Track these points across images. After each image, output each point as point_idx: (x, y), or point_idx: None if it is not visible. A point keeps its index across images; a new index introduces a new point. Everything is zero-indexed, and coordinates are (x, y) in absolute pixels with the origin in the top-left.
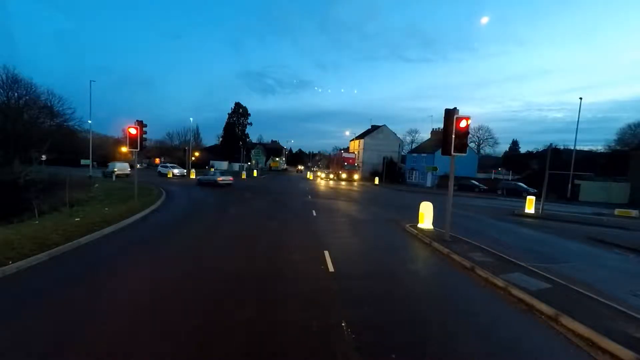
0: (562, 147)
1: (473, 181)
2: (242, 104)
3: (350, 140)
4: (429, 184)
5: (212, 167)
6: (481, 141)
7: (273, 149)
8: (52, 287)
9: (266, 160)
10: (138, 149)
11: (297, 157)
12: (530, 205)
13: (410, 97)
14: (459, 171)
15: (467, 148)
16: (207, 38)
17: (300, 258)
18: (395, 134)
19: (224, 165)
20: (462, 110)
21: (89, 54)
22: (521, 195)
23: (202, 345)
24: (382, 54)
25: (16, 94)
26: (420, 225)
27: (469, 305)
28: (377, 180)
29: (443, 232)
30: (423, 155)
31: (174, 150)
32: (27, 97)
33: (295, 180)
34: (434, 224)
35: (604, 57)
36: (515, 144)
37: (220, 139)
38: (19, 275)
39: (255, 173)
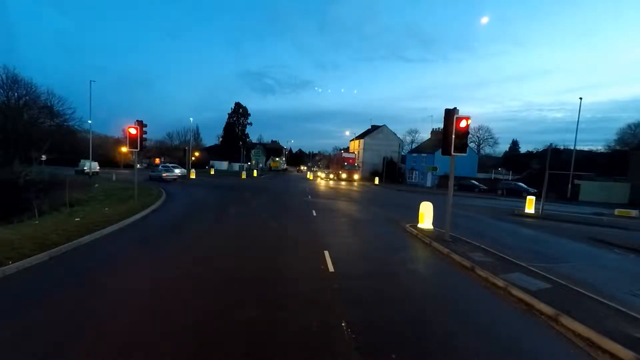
0: (562, 147)
1: (473, 181)
2: (242, 104)
3: (350, 140)
4: (429, 184)
5: (212, 167)
6: (481, 141)
7: (273, 149)
8: (52, 287)
9: (266, 160)
10: (138, 149)
11: (297, 157)
12: (530, 205)
13: (410, 97)
14: (459, 171)
15: (467, 148)
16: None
17: (300, 258)
18: (395, 134)
19: (224, 165)
20: (462, 110)
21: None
22: (521, 195)
23: (202, 345)
24: (382, 54)
25: (16, 94)
26: (420, 225)
27: (469, 305)
28: (377, 180)
29: (443, 232)
30: (423, 155)
31: (174, 150)
32: (27, 97)
33: (295, 180)
34: (434, 224)
35: (604, 57)
36: (515, 144)
37: (220, 139)
38: (19, 275)
39: (255, 173)
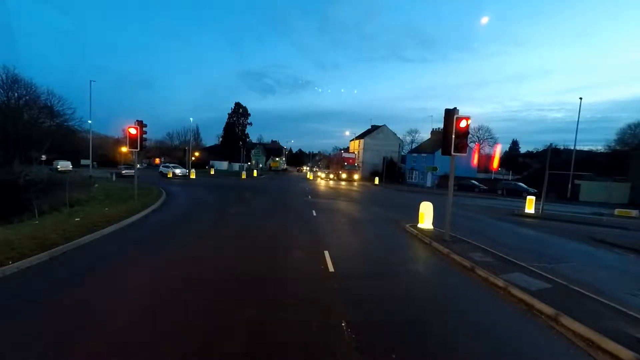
0: (562, 147)
1: (473, 181)
2: (242, 104)
3: (350, 140)
4: (429, 184)
5: (212, 167)
6: (481, 141)
7: (273, 149)
8: (52, 287)
9: (266, 160)
10: (138, 149)
11: (297, 157)
12: (530, 205)
13: (410, 97)
14: (459, 171)
15: (467, 148)
16: (206, 38)
17: (300, 258)
18: (395, 134)
19: (224, 165)
20: (462, 110)
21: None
22: (521, 195)
23: (202, 345)
24: (382, 54)
25: (16, 94)
26: (420, 225)
27: (469, 305)
28: (377, 180)
29: (443, 232)
30: (423, 155)
31: (174, 150)
32: (27, 97)
33: (295, 180)
34: (434, 224)
35: (604, 57)
36: (515, 144)
37: (220, 139)
38: (19, 275)
39: (255, 173)
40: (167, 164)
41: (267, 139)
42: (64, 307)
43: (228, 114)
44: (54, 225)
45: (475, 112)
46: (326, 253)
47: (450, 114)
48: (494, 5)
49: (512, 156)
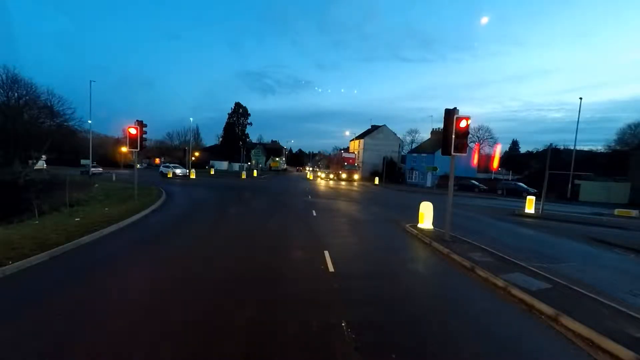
0: (562, 147)
1: (473, 181)
2: (242, 104)
3: (350, 140)
4: (429, 184)
5: (212, 167)
6: (481, 141)
7: (273, 149)
8: (52, 287)
9: (266, 160)
10: (138, 149)
11: (297, 157)
12: (530, 205)
13: (410, 97)
14: (458, 171)
15: (467, 148)
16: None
17: (300, 258)
18: (395, 134)
19: (224, 165)
20: (462, 110)
21: (89, 54)
22: (521, 195)
23: (202, 346)
24: (382, 54)
25: (16, 94)
26: (420, 225)
27: (469, 305)
28: (377, 180)
29: (443, 232)
30: (423, 155)
31: (174, 150)
32: (27, 97)
33: (295, 180)
34: (434, 224)
35: (604, 57)
36: (515, 144)
37: (220, 139)
38: (19, 275)
39: (255, 173)
40: (167, 164)
41: (267, 139)
42: (64, 307)
43: (228, 114)
44: (54, 225)
45: (475, 112)
46: (326, 253)
47: (450, 114)
48: (493, 5)
49: (512, 156)
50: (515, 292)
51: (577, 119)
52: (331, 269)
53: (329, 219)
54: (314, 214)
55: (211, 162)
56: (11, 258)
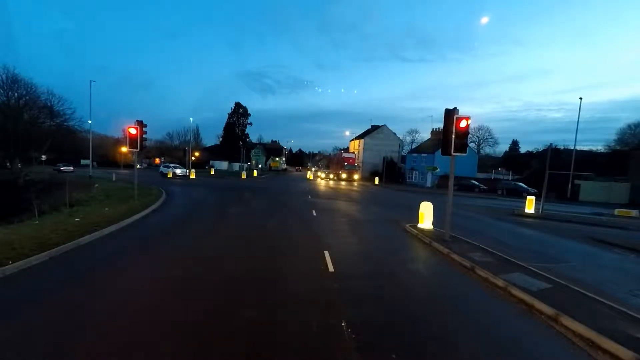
0: (562, 147)
1: (473, 181)
2: (242, 104)
3: (350, 140)
4: (429, 184)
5: (212, 167)
6: (481, 141)
7: (273, 149)
8: (52, 287)
9: (266, 160)
10: (138, 149)
11: (297, 157)
12: (530, 205)
13: (410, 97)
14: (459, 171)
15: (467, 148)
16: (206, 38)
17: (300, 258)
18: (395, 134)
19: (224, 165)
20: (462, 110)
21: (89, 54)
22: (521, 195)
23: (202, 345)
24: (381, 54)
25: (16, 94)
26: (420, 225)
27: (469, 305)
28: (377, 180)
29: (443, 232)
30: (423, 155)
31: (174, 150)
32: (27, 97)
33: (295, 180)
34: (434, 224)
35: (603, 57)
36: (515, 144)
37: (220, 139)
38: (19, 275)
39: (255, 173)
40: (167, 164)
41: (267, 139)
42: (64, 307)
43: (228, 114)
44: (54, 225)
45: (475, 112)
46: (326, 253)
47: (450, 114)
48: (493, 5)
49: (512, 156)
50: (515, 292)
51: (577, 119)
52: (331, 269)
53: (329, 219)
54: (314, 214)
55: (211, 162)
56: (11, 258)
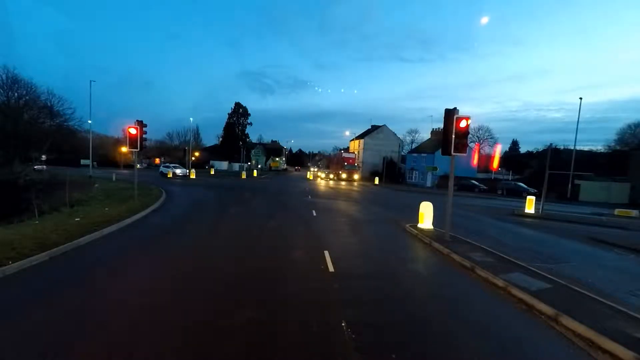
0: (562, 147)
1: (473, 181)
2: (242, 104)
3: (350, 140)
4: (428, 184)
5: (212, 167)
6: (481, 141)
7: (273, 149)
8: (52, 287)
9: (266, 160)
10: (138, 149)
11: (297, 157)
12: (530, 205)
13: (409, 97)
14: (459, 171)
15: (467, 148)
16: (206, 38)
17: (300, 258)
18: (395, 134)
19: (224, 165)
20: (462, 110)
21: (89, 54)
22: (521, 195)
23: (202, 346)
24: (381, 54)
25: (16, 94)
26: (420, 225)
27: (469, 305)
28: (377, 180)
29: (443, 232)
30: (423, 155)
31: (174, 150)
32: (27, 97)
33: (295, 180)
34: (434, 224)
35: (603, 57)
36: (515, 144)
37: (220, 139)
38: (19, 275)
39: (255, 173)
40: (167, 164)
41: (267, 139)
42: (64, 307)
43: (228, 114)
44: (54, 225)
45: (475, 112)
46: (326, 253)
47: (450, 114)
48: (493, 5)
49: (512, 156)
50: (515, 292)
51: (577, 119)
52: (331, 269)
53: (329, 219)
54: (314, 214)
55: (211, 162)
56: (11, 258)
